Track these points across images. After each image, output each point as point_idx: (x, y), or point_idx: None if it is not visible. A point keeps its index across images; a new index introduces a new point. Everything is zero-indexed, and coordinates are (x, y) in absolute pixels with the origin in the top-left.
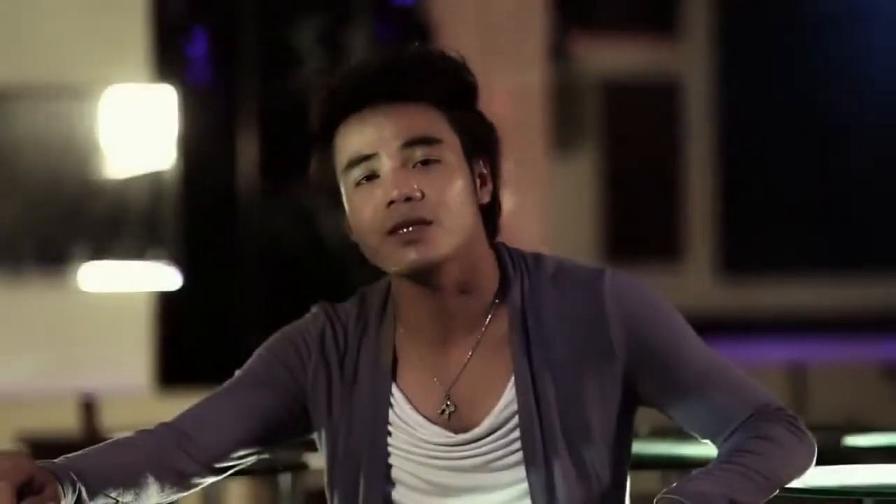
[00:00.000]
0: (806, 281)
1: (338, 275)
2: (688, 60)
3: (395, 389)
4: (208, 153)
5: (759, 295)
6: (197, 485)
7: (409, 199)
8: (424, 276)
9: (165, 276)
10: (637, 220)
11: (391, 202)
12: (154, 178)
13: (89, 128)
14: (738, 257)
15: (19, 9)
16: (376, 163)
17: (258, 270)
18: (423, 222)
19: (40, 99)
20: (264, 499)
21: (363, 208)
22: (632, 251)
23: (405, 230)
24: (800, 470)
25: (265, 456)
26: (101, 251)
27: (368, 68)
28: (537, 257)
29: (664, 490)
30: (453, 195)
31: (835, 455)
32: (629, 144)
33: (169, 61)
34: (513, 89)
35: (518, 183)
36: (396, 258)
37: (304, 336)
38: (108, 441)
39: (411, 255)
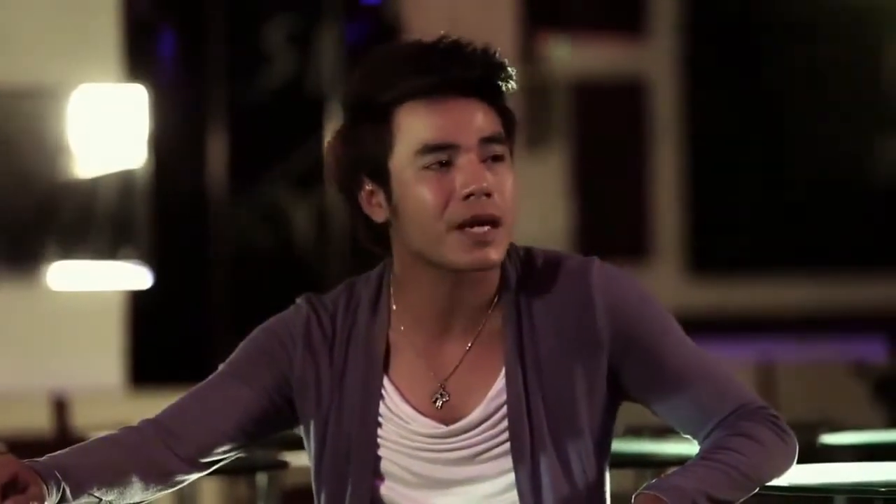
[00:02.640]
0: (774, 279)
1: (306, 274)
2: (655, 60)
3: (386, 381)
4: (178, 152)
5: (727, 293)
6: (182, 481)
7: (487, 194)
8: (473, 274)
9: (136, 276)
10: (605, 219)
11: (469, 195)
12: (124, 178)
13: (59, 127)
14: (706, 256)
15: None
16: (455, 153)
17: (228, 269)
18: (495, 221)
19: (9, 98)
20: (240, 498)
21: (432, 195)
22: (600, 250)
23: (479, 228)
24: (780, 469)
25: (243, 454)
26: (71, 250)
27: (442, 54)
28: (528, 250)
29: (643, 486)
30: (513, 194)
31: (807, 453)
32: (598, 144)
33: (139, 61)
34: None
35: None
36: (462, 254)
37: (289, 328)
38: (92, 439)
39: (488, 255)
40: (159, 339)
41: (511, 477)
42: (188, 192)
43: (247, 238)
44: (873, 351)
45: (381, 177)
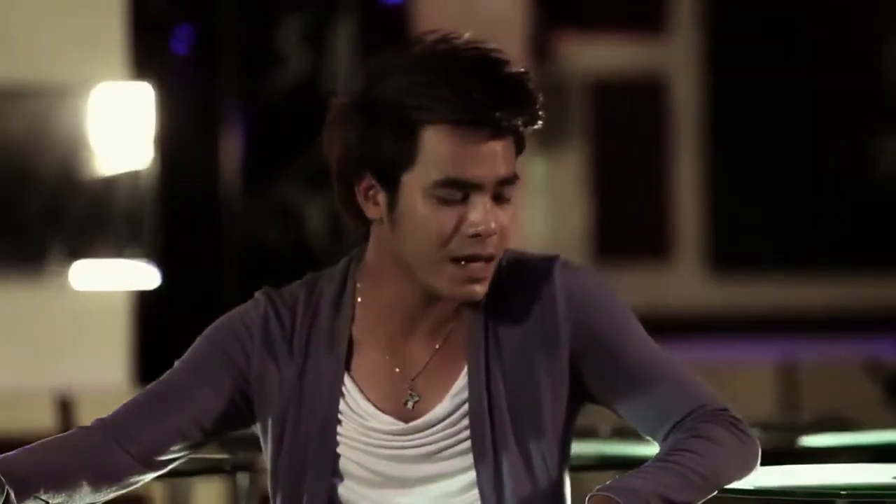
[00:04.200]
0: (795, 279)
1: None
2: (675, 58)
3: (347, 378)
4: (190, 151)
5: (748, 293)
6: (136, 482)
7: (491, 235)
8: None
9: (144, 275)
10: (625, 219)
11: (476, 234)
12: (133, 177)
13: (67, 126)
14: (727, 255)
15: None
16: (474, 190)
17: (239, 269)
18: (491, 258)
19: (19, 98)
20: (233, 499)
21: (438, 225)
22: (620, 250)
23: (475, 264)
24: (741, 471)
25: (197, 453)
26: (79, 249)
27: (484, 84)
28: None
29: (597, 487)
30: (509, 231)
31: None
32: (617, 143)
33: (150, 59)
34: None
35: None
36: (453, 287)
37: (246, 323)
38: (40, 441)
39: (476, 291)
40: (167, 339)
41: (472, 475)
42: (199, 190)
43: (259, 237)
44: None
45: (390, 183)
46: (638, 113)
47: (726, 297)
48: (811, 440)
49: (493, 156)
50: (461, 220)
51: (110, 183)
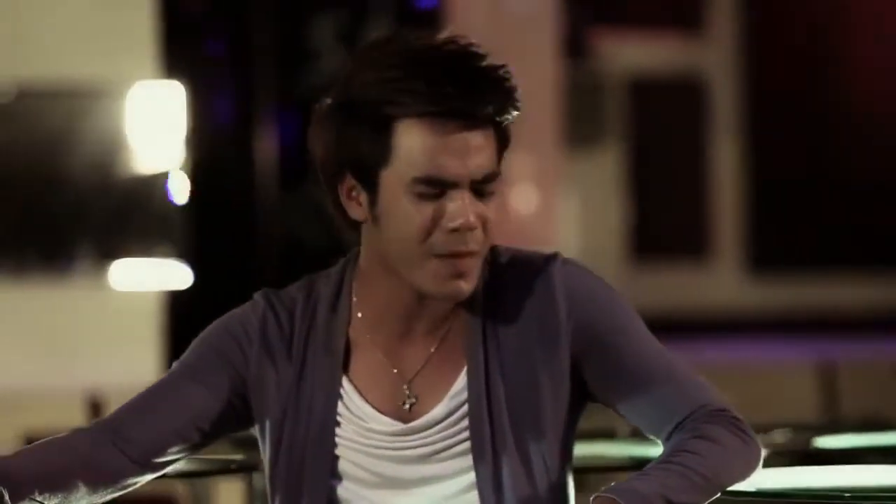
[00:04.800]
0: (835, 278)
1: None
2: (714, 57)
3: (345, 380)
4: (224, 150)
5: (787, 293)
6: (133, 484)
7: (471, 229)
8: None
9: (177, 275)
10: (664, 219)
11: (455, 230)
12: (165, 176)
13: (102, 126)
14: (766, 255)
15: (30, 7)
16: (451, 188)
17: (275, 268)
18: (474, 254)
19: (52, 97)
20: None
21: (418, 220)
22: (659, 250)
23: (456, 259)
24: (743, 472)
25: (197, 455)
26: (112, 249)
27: (455, 78)
28: (493, 249)
29: (601, 489)
30: (493, 225)
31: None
32: (655, 142)
33: (183, 58)
34: (524, 86)
35: (534, 181)
36: (436, 283)
37: (244, 325)
38: (37, 442)
39: (461, 287)
40: None
41: (471, 476)
42: (234, 190)
43: (296, 236)
44: None
45: (369, 182)
46: (676, 112)
47: (765, 298)
48: (848, 440)
49: (466, 149)
50: (440, 216)
51: (143, 182)
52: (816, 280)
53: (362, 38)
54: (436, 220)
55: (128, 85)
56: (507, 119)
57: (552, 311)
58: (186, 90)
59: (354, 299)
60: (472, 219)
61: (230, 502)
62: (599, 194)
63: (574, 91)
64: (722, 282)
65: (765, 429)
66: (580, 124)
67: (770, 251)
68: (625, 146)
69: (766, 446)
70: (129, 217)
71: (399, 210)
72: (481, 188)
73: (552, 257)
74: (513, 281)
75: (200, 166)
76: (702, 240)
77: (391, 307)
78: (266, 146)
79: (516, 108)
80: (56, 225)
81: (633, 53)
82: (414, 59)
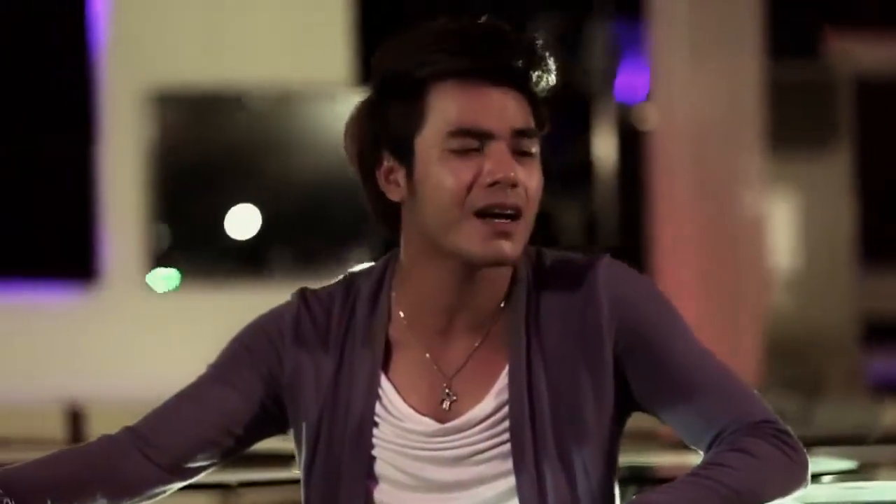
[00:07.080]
0: None
1: None
2: None
3: (383, 380)
4: None
5: None
6: (160, 492)
7: (513, 185)
8: (484, 270)
9: None
10: (894, 222)
11: (495, 182)
12: None
13: (327, 128)
14: None
15: (235, 12)
16: (486, 140)
17: None
18: (517, 213)
19: (276, 100)
20: None
21: (455, 178)
22: (889, 253)
23: (498, 218)
24: (785, 487)
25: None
26: (342, 252)
27: (483, 38)
28: (539, 251)
29: (625, 502)
30: (539, 191)
31: None
32: (886, 144)
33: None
34: (725, 85)
35: (744, 184)
36: (478, 244)
37: (279, 325)
38: (56, 451)
39: (504, 249)
40: None
41: (511, 481)
42: None
43: None
44: None
45: (405, 154)
46: None
47: None
48: None
49: (503, 107)
50: (478, 171)
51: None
52: None
53: (582, 38)
54: (474, 176)
55: (338, 90)
56: (541, 83)
57: (595, 311)
58: None
59: (394, 294)
60: (511, 173)
61: None
62: (828, 196)
63: (804, 91)
64: None
65: None
66: (810, 126)
67: None
68: (854, 147)
69: None
70: (357, 221)
71: (435, 172)
72: (519, 145)
73: (598, 258)
74: (558, 283)
75: None
76: None
77: (433, 299)
78: None
79: (549, 73)
80: (298, 229)
81: (865, 54)
82: (445, 28)
